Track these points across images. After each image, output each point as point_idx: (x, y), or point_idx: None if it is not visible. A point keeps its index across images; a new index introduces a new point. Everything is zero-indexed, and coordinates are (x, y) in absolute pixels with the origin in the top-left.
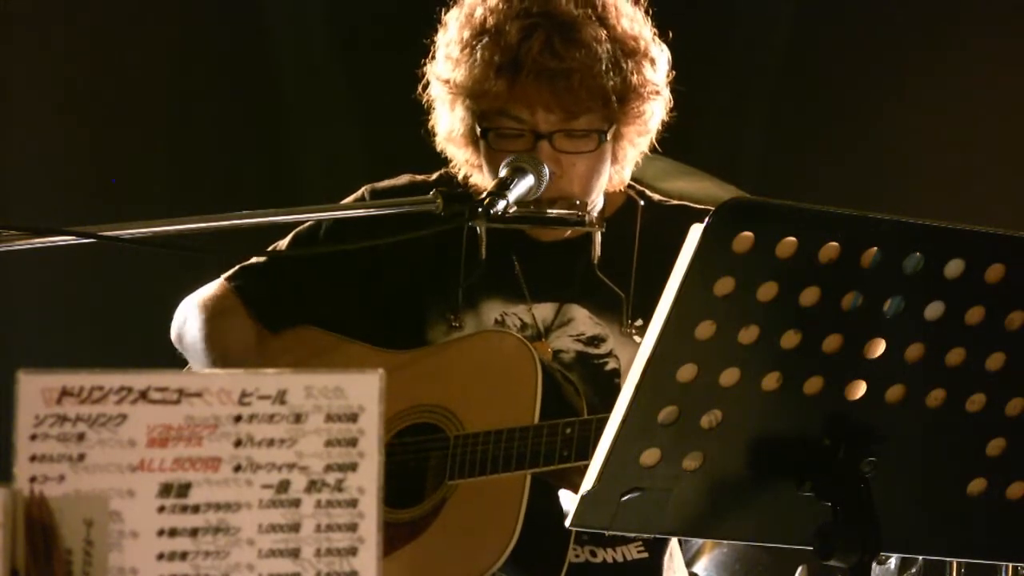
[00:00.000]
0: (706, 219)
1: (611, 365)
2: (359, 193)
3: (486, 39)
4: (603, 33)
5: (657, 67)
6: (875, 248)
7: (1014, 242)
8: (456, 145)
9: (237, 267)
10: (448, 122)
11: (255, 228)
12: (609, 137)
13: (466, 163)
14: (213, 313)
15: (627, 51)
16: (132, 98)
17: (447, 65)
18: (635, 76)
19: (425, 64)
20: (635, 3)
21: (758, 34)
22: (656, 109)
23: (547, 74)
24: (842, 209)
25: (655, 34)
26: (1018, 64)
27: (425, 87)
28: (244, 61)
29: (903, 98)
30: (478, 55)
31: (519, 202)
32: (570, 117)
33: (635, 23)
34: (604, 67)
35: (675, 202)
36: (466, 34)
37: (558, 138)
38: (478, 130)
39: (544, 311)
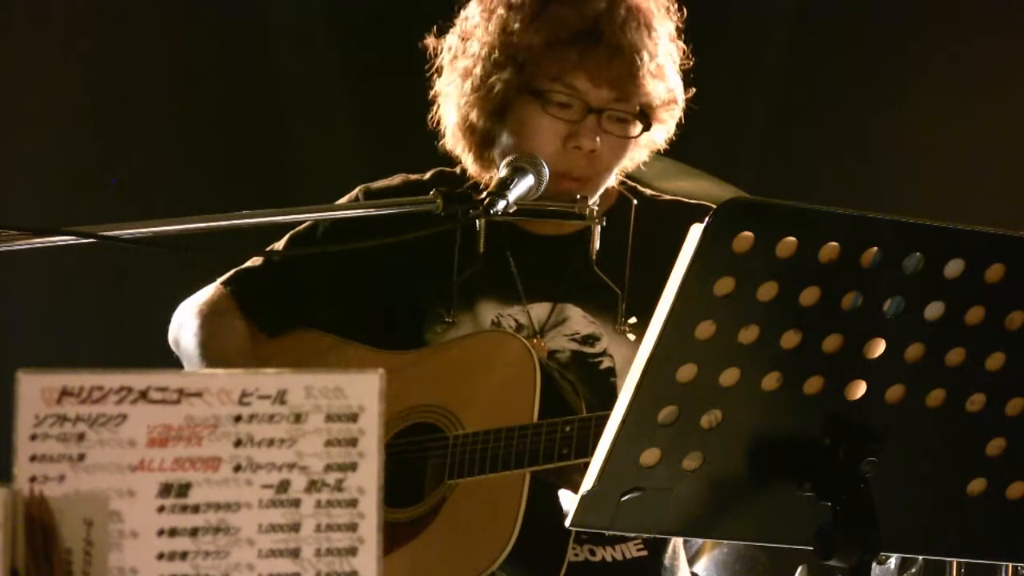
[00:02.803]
0: (706, 219)
1: (606, 364)
2: (353, 194)
3: (561, 5)
4: (664, 27)
5: (679, 79)
6: (875, 248)
7: (1014, 242)
8: (481, 107)
9: (233, 271)
10: (480, 84)
11: (255, 228)
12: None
13: (470, 134)
14: (209, 317)
15: (674, 55)
16: (132, 98)
17: (501, 27)
18: (676, 79)
19: (428, 57)
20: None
21: (758, 34)
22: (671, 124)
23: (621, 51)
24: (842, 209)
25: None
26: (1018, 64)
27: (438, 72)
28: (244, 61)
29: (903, 98)
30: (553, 20)
31: (518, 201)
32: (623, 98)
33: (674, 32)
34: (662, 60)
35: (668, 198)
36: None
37: (606, 117)
38: (534, 91)
39: (539, 311)
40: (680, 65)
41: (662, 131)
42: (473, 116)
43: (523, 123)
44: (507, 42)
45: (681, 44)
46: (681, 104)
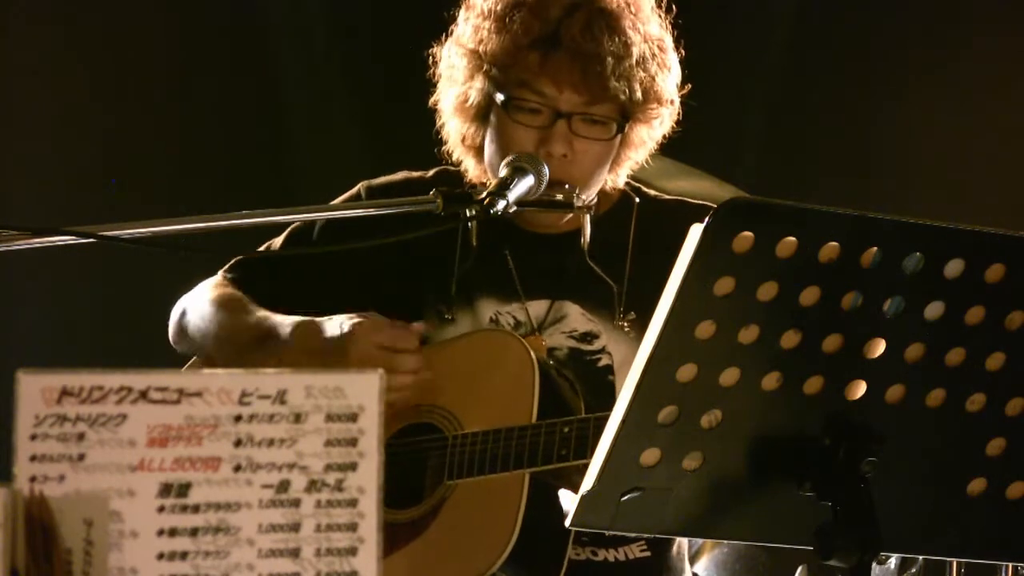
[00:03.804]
0: (706, 219)
1: (604, 361)
2: (355, 190)
3: (524, 11)
4: (639, 28)
5: (672, 77)
6: (875, 248)
7: (1014, 242)
8: (464, 117)
9: (234, 260)
10: (459, 93)
11: (254, 228)
12: (626, 130)
13: (462, 143)
14: (217, 303)
15: (655, 54)
16: (132, 98)
17: (475, 35)
18: (658, 78)
19: (431, 53)
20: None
21: (758, 34)
22: (666, 118)
23: (582, 55)
24: (842, 209)
25: (674, 44)
26: (1018, 64)
27: (434, 64)
28: (244, 61)
29: (903, 98)
30: (516, 26)
31: (518, 201)
32: (592, 102)
33: (661, 29)
34: (635, 60)
35: (671, 197)
36: (500, 7)
37: (576, 120)
38: (499, 98)
39: (537, 308)
40: (671, 63)
41: (649, 130)
42: (463, 127)
43: (498, 131)
44: (478, 51)
45: (667, 39)
46: (670, 99)
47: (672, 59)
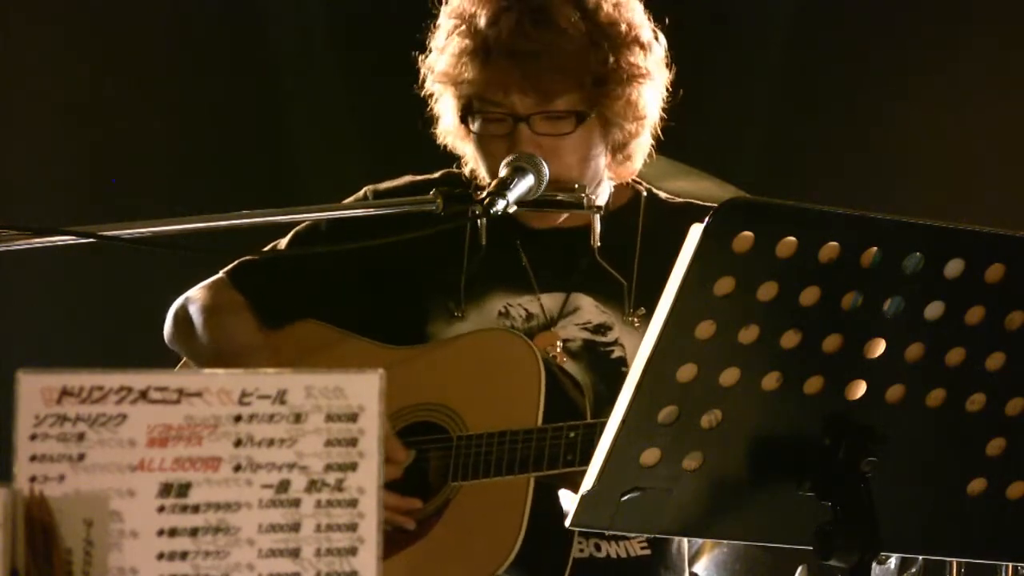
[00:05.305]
0: (706, 219)
1: (617, 353)
2: (360, 194)
3: (462, 26)
4: (577, 16)
5: (648, 52)
6: (875, 248)
7: (1014, 242)
8: (455, 137)
9: (236, 262)
10: (441, 117)
11: (255, 228)
12: (593, 117)
13: (470, 156)
14: (214, 307)
15: (607, 34)
16: (132, 98)
17: (433, 57)
18: (613, 59)
19: (420, 62)
20: None
21: (758, 34)
22: (647, 93)
23: (517, 55)
24: (842, 209)
25: (650, 18)
26: (1018, 64)
27: (422, 85)
28: (244, 61)
29: (904, 98)
30: (454, 42)
31: (519, 201)
32: (545, 99)
33: (621, 8)
34: (576, 48)
35: (680, 200)
36: (448, 24)
37: (536, 121)
38: (461, 116)
39: (551, 301)
40: (639, 37)
41: (628, 107)
42: (459, 147)
43: (475, 146)
44: (436, 75)
45: (625, 13)
46: (638, 74)
47: (644, 34)
